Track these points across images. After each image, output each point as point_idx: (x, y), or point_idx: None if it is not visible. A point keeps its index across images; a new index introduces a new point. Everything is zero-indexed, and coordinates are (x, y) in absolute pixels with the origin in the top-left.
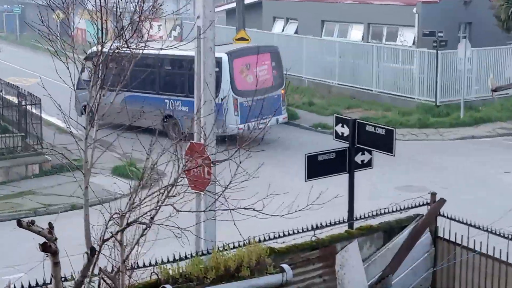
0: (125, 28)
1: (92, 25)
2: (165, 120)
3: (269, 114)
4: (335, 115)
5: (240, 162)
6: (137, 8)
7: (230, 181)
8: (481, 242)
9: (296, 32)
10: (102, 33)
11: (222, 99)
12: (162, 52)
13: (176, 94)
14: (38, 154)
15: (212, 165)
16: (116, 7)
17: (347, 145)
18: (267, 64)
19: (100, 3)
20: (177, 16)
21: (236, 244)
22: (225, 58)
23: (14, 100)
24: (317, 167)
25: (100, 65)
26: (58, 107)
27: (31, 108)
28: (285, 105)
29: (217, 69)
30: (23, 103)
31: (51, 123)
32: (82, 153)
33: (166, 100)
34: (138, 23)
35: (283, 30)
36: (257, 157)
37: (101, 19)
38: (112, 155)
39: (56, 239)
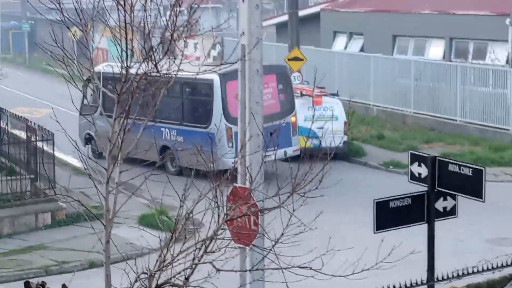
0: (154, 48)
1: (115, 44)
2: (161, 152)
3: (275, 145)
4: (410, 151)
5: (294, 211)
6: (170, 23)
7: (282, 234)
8: None
9: (361, 50)
10: (127, 54)
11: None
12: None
13: (171, 122)
14: (50, 201)
15: (259, 214)
16: (144, 22)
17: (426, 189)
18: (271, 87)
19: (125, 18)
20: (217, 33)
21: None
22: (216, 80)
23: (22, 135)
24: (388, 215)
25: (124, 93)
26: (73, 144)
27: (42, 145)
28: (296, 134)
29: (208, 94)
30: (33, 138)
31: (66, 162)
32: (103, 200)
33: (162, 129)
34: (170, 42)
35: (345, 48)
36: (314, 204)
37: (126, 38)
38: (139, 201)
39: None
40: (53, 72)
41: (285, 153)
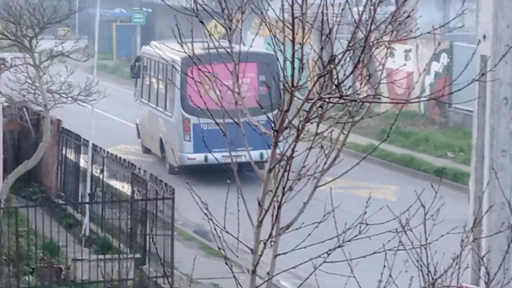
0: (338, 57)
1: (275, 49)
2: (161, 145)
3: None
4: None
5: None
6: (364, 18)
7: None
8: None
9: None
10: (293, 66)
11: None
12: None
13: (161, 111)
14: None
15: None
16: (322, 16)
17: None
18: (249, 78)
19: (292, 8)
20: (443, 35)
21: None
22: (179, 63)
23: (125, 188)
24: None
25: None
26: (203, 208)
27: (156, 206)
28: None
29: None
30: (140, 195)
31: (190, 237)
32: None
33: (159, 119)
34: (363, 49)
35: None
36: None
37: (293, 40)
38: None
39: None
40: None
41: (262, 155)
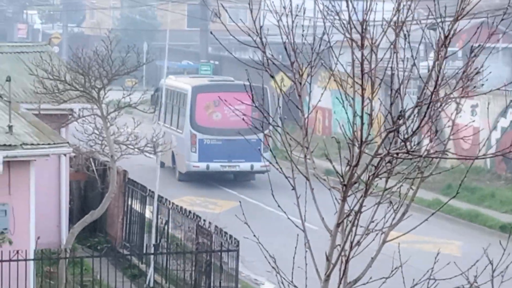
0: (406, 115)
1: (344, 104)
2: (172, 157)
3: (241, 158)
4: None
5: None
6: (433, 72)
7: None
8: None
9: None
10: (362, 122)
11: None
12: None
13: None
14: None
15: None
16: (392, 70)
17: None
18: (244, 104)
19: (362, 63)
20: (511, 90)
21: None
22: (189, 91)
23: (190, 239)
24: None
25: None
26: (270, 260)
27: (221, 258)
28: (268, 151)
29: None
30: (205, 246)
31: None
32: None
33: (172, 136)
34: (429, 104)
35: None
36: None
37: (362, 94)
38: None
39: None
40: None
41: (252, 166)
